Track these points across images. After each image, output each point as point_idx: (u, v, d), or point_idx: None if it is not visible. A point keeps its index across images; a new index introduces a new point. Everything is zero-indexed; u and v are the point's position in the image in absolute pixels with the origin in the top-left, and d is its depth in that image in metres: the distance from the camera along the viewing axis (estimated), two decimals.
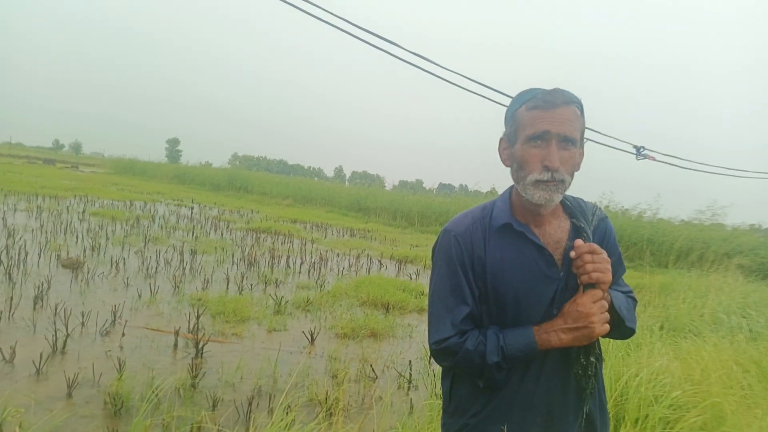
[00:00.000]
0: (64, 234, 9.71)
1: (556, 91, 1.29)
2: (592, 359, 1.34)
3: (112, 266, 7.44)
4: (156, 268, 7.67)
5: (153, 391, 3.22)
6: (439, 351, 1.38)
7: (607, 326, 1.30)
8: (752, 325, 5.44)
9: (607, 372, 3.07)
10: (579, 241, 1.30)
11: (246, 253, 9.71)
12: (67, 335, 4.47)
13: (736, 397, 3.14)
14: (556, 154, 1.27)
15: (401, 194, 27.90)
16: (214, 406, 3.52)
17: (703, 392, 3.04)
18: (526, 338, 1.30)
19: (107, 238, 9.70)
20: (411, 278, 9.11)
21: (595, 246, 1.29)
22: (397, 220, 23.11)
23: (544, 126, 1.27)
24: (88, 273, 6.85)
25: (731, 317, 5.65)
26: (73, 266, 7.14)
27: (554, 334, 1.29)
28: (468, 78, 4.70)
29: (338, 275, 8.81)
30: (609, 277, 1.28)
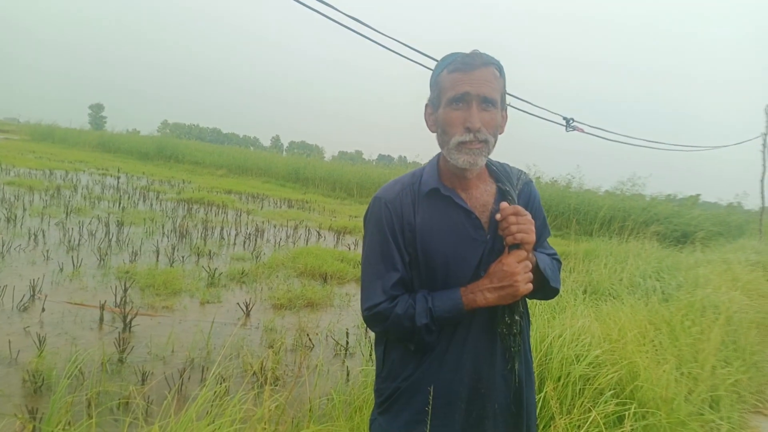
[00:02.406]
0: None
1: (475, 54, 1.31)
2: (516, 318, 1.39)
3: (30, 238, 6.98)
4: (79, 241, 7.27)
5: (76, 367, 3.07)
6: (370, 317, 1.39)
7: (531, 285, 1.34)
8: (665, 287, 5.85)
9: (534, 334, 3.22)
10: (504, 204, 1.34)
11: (177, 224, 9.37)
12: None
13: (648, 354, 3.39)
14: (477, 115, 1.29)
15: (340, 165, 27.73)
16: (143, 380, 3.41)
17: (620, 350, 3.25)
18: (453, 299, 1.33)
19: (24, 209, 9.06)
20: (350, 248, 9.13)
21: (520, 208, 1.33)
22: (336, 191, 22.99)
23: (463, 87, 1.29)
24: (3, 246, 6.39)
25: (647, 281, 6.06)
26: None
27: (480, 293, 1.32)
28: (403, 43, 4.67)
29: (275, 246, 8.69)
30: (533, 237, 1.32)
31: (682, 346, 3.81)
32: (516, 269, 1.30)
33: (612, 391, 2.86)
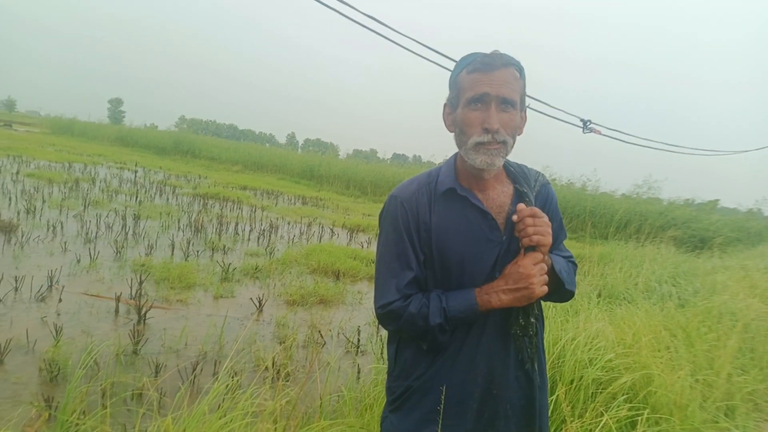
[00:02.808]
0: None
1: (495, 54, 1.30)
2: (531, 320, 1.38)
3: (48, 230, 7.09)
4: (96, 233, 7.37)
5: (91, 357, 3.11)
6: (383, 315, 1.39)
7: (546, 287, 1.33)
8: (681, 293, 5.78)
9: (547, 337, 3.19)
10: (521, 205, 1.33)
11: (193, 219, 9.45)
12: None
13: (663, 359, 3.35)
14: (496, 116, 1.28)
15: (355, 163, 27.76)
16: (156, 372, 3.45)
17: (634, 355, 3.22)
18: (467, 299, 1.32)
19: (43, 201, 9.21)
20: (363, 246, 9.14)
21: (537, 210, 1.32)
22: (350, 189, 23.02)
23: (483, 88, 1.28)
24: (22, 236, 6.50)
25: (662, 286, 5.98)
26: (6, 229, 6.75)
27: (495, 294, 1.31)
28: (418, 41, 4.65)
29: (289, 243, 8.73)
30: (549, 240, 1.31)
31: (697, 352, 3.76)
32: (531, 271, 1.29)
33: (625, 396, 2.83)
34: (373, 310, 1.42)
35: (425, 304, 1.34)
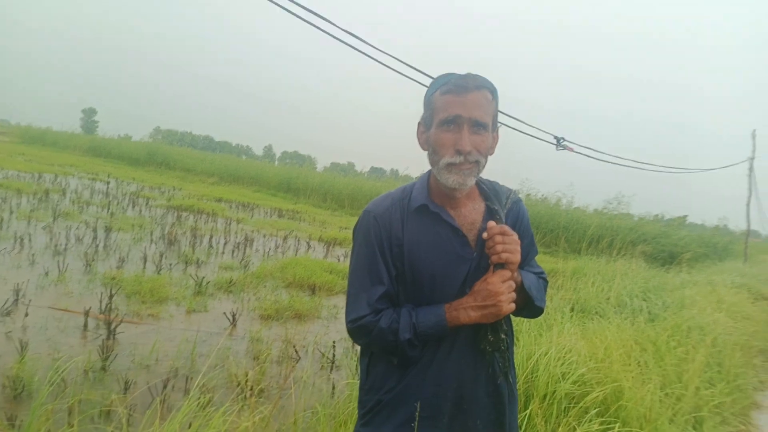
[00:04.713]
0: None
1: (469, 76, 1.32)
2: (501, 336, 1.40)
3: (15, 242, 6.89)
4: (66, 245, 7.19)
5: (58, 374, 3.02)
6: (354, 329, 1.40)
7: (513, 305, 1.36)
8: (651, 307, 5.89)
9: (520, 351, 3.23)
10: (491, 223, 1.36)
11: (166, 231, 9.30)
12: None
13: (633, 373, 3.41)
14: (468, 138, 1.31)
15: (332, 176, 27.81)
16: (125, 388, 3.36)
17: (606, 369, 3.27)
18: (436, 315, 1.34)
19: (11, 212, 8.96)
20: (339, 260, 9.11)
21: (506, 227, 1.35)
22: (328, 201, 23.00)
23: (455, 110, 1.31)
24: None
25: (633, 300, 6.10)
26: None
27: (463, 311, 1.33)
28: (398, 59, 4.71)
29: (264, 256, 8.65)
30: (518, 257, 1.34)
31: (666, 366, 3.84)
32: (500, 289, 1.32)
33: (597, 410, 2.87)
34: (345, 324, 1.43)
35: (395, 320, 1.35)
